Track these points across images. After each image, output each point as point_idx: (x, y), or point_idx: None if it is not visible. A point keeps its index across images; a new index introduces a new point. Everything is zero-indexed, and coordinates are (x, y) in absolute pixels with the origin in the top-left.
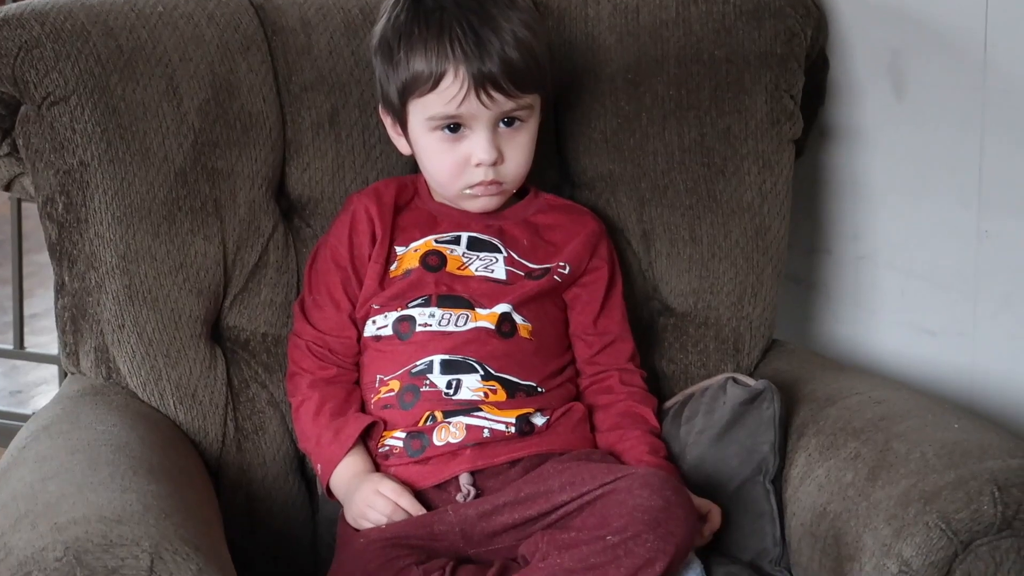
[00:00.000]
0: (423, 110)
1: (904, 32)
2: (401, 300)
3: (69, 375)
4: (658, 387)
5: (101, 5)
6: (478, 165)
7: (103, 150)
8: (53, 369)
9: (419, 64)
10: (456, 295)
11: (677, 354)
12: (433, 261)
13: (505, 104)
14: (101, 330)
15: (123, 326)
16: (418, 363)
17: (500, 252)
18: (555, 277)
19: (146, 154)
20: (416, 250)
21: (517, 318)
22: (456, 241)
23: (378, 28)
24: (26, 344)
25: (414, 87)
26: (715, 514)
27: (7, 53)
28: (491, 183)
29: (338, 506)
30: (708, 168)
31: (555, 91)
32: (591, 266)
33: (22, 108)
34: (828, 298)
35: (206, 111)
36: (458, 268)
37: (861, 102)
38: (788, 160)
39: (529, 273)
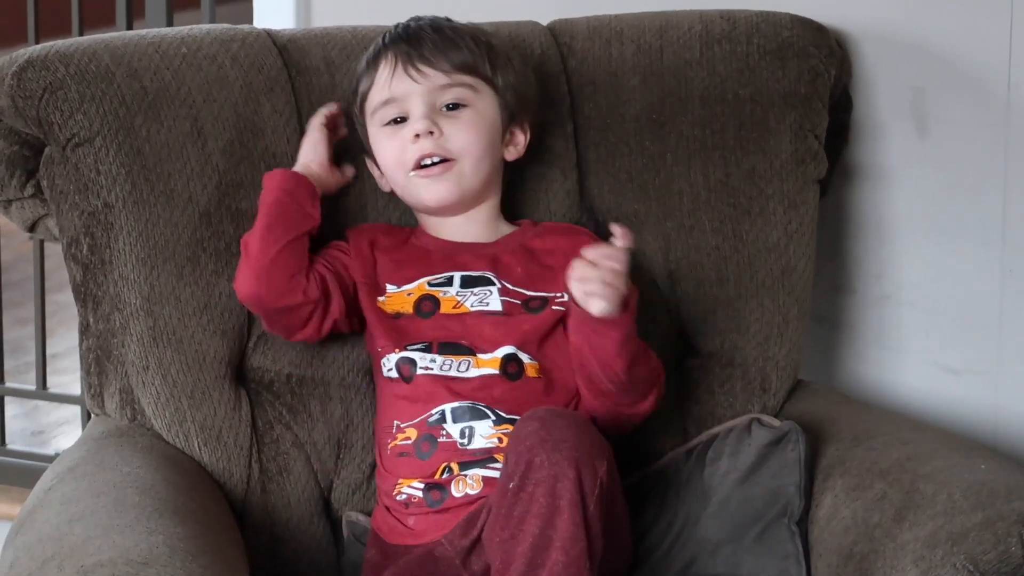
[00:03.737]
0: (371, 109)
1: (927, 71)
2: (399, 341)
3: (94, 416)
4: (684, 428)
5: (125, 47)
6: (416, 137)
7: (128, 191)
8: (75, 409)
9: (364, 80)
10: (456, 342)
11: (703, 395)
12: (427, 307)
13: (437, 78)
14: (126, 371)
15: (148, 368)
16: (433, 412)
17: (494, 284)
18: (553, 308)
19: (170, 195)
20: (409, 294)
21: (523, 357)
22: (449, 282)
23: None
24: (48, 384)
25: (364, 94)
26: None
27: (32, 95)
28: (429, 156)
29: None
30: (734, 208)
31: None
32: None
33: (47, 149)
34: (852, 338)
35: (230, 152)
36: (453, 307)
37: (884, 141)
38: (813, 200)
39: (526, 302)
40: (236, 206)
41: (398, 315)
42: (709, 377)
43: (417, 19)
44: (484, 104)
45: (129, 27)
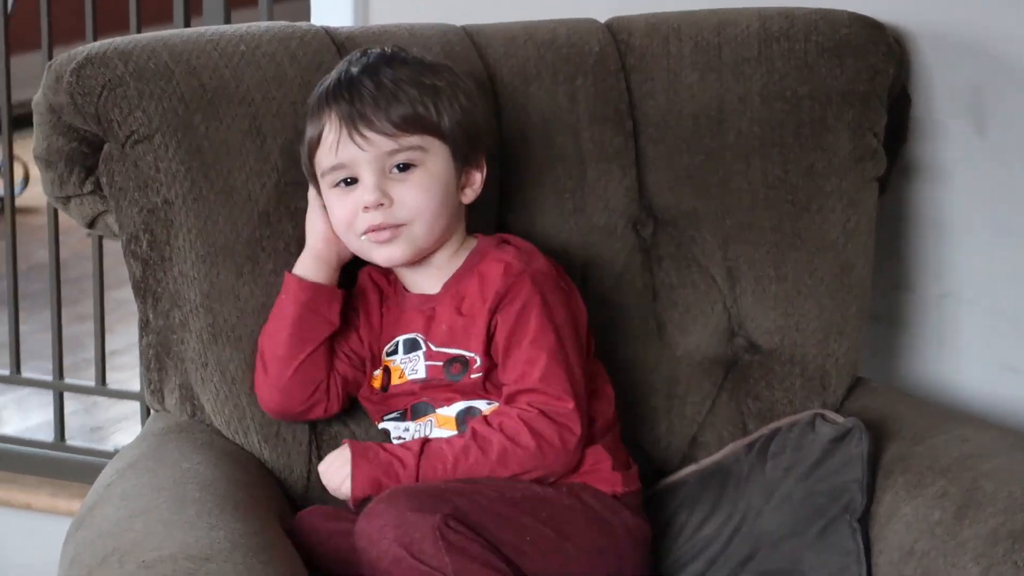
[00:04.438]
0: (319, 169)
1: (985, 68)
2: (376, 413)
3: (153, 412)
4: (743, 423)
5: (184, 44)
6: (365, 209)
7: (187, 189)
8: (133, 405)
9: (309, 129)
10: (421, 402)
11: (763, 391)
12: (384, 381)
13: (384, 143)
14: (185, 368)
15: (207, 364)
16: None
17: (420, 348)
18: (472, 376)
19: (230, 193)
20: (376, 374)
21: (481, 405)
22: (395, 349)
23: None
24: (107, 381)
25: (311, 151)
26: None
27: (91, 92)
28: (381, 228)
29: None
30: (793, 205)
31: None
32: (499, 329)
33: (106, 146)
34: (911, 336)
35: (289, 151)
36: (399, 377)
37: (943, 139)
38: (872, 198)
39: (448, 362)
40: (295, 205)
41: (383, 388)
42: (768, 374)
43: (363, 58)
44: (434, 161)
45: (187, 24)
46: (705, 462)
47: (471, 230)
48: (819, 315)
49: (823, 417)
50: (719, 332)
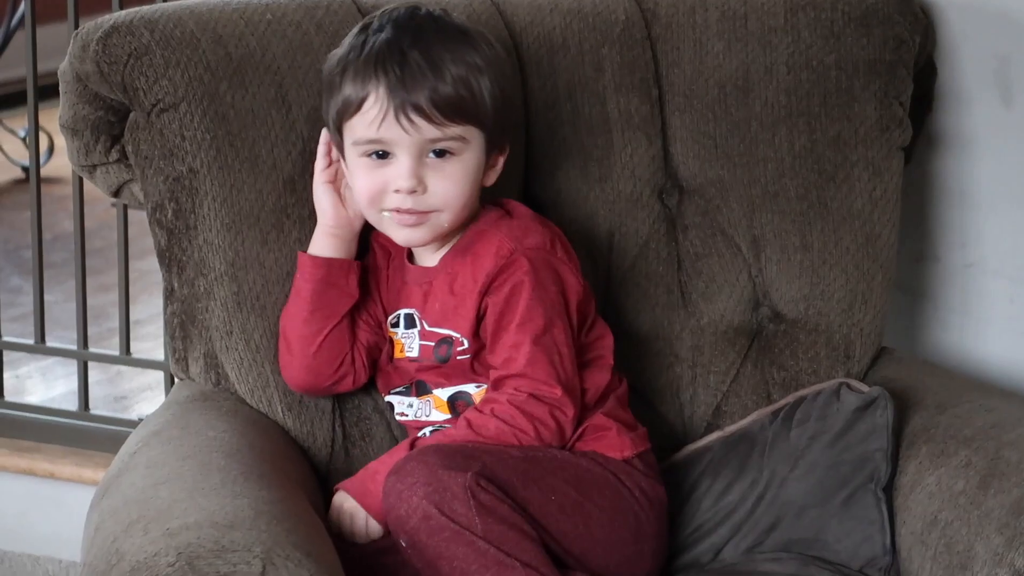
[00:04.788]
0: (351, 134)
1: (1012, 39)
2: (383, 386)
3: (178, 381)
4: (767, 392)
5: (210, 13)
6: (396, 191)
7: (212, 157)
8: (157, 375)
9: (348, 88)
10: (421, 380)
11: (788, 360)
12: (388, 351)
13: (429, 131)
14: (210, 336)
15: (231, 333)
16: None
17: (416, 326)
18: (458, 358)
19: (255, 162)
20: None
21: (470, 389)
22: (397, 323)
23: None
24: (131, 350)
25: (344, 111)
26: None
27: (117, 60)
28: (407, 212)
29: None
30: (819, 175)
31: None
32: (488, 312)
33: (132, 115)
34: (935, 306)
35: (315, 120)
36: (400, 351)
37: (969, 109)
38: (897, 167)
39: (439, 343)
40: None
41: (389, 358)
42: (793, 343)
43: (409, 21)
44: (471, 152)
45: None
46: (730, 429)
47: (493, 196)
48: (844, 284)
49: (848, 386)
50: (744, 301)
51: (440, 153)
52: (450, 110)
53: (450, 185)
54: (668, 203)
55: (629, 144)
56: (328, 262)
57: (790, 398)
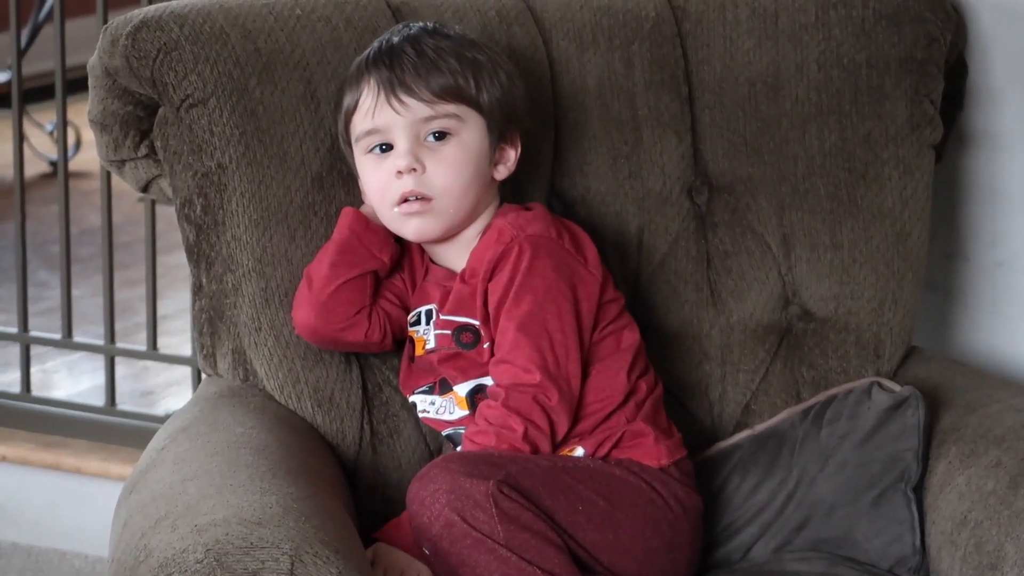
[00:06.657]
0: (355, 136)
1: None
2: (407, 387)
3: (206, 377)
4: (797, 391)
5: (239, 8)
6: (398, 174)
7: (241, 153)
8: (184, 370)
9: (347, 98)
10: (443, 378)
11: (817, 359)
12: (409, 351)
13: (421, 110)
14: (238, 332)
15: (260, 329)
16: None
17: (432, 318)
18: (484, 346)
19: (284, 158)
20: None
21: (488, 382)
22: (418, 320)
23: None
24: (158, 345)
25: (347, 119)
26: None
27: (146, 55)
28: (416, 199)
29: None
30: (849, 173)
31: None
32: (489, 299)
33: (161, 110)
34: (965, 305)
35: None
36: (422, 348)
37: (999, 107)
38: (928, 165)
39: (457, 331)
40: (348, 171)
41: (411, 359)
42: (823, 342)
43: (404, 29)
44: (470, 132)
45: None
46: (760, 427)
47: (523, 197)
48: (874, 283)
49: (880, 385)
50: (773, 299)
51: (439, 137)
52: (441, 89)
53: (449, 167)
54: (698, 201)
55: (659, 141)
56: (368, 222)
57: (821, 396)
